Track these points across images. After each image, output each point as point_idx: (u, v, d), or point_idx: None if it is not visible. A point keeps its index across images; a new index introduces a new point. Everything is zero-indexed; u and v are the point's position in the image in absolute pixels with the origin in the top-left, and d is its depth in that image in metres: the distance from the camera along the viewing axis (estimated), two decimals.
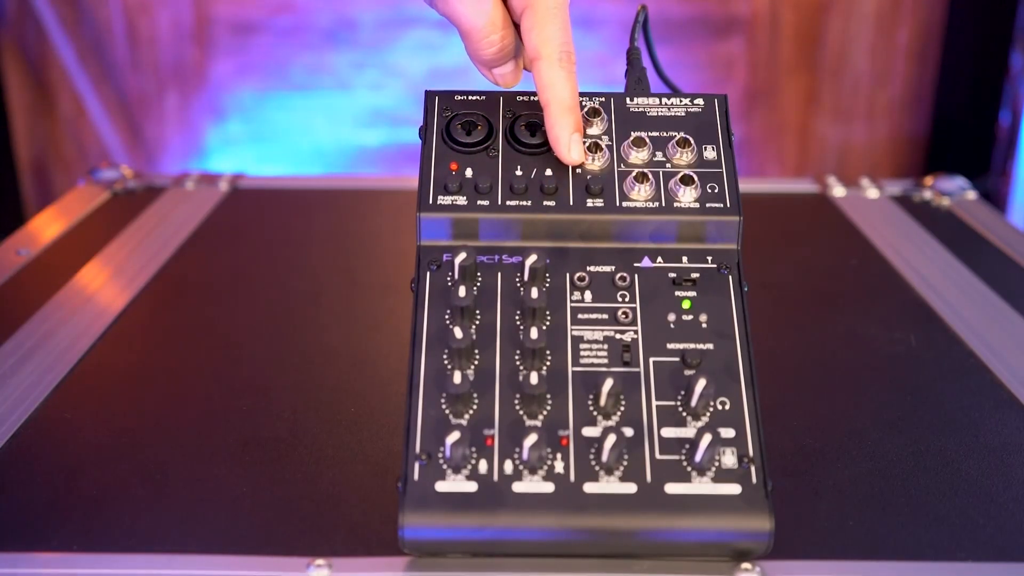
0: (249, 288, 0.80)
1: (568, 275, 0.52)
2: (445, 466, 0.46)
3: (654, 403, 0.48)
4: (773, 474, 0.47)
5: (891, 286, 0.79)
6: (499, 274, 0.52)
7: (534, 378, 0.47)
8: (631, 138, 0.55)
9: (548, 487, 0.46)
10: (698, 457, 0.46)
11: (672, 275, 0.52)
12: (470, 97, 0.57)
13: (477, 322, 0.51)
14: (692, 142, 0.55)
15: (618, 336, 0.50)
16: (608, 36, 1.98)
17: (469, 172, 0.54)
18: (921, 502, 0.52)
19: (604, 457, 0.46)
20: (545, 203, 0.53)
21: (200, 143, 2.07)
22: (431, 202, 0.53)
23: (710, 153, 0.55)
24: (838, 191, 1.01)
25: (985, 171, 2.01)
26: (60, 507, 0.51)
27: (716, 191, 0.53)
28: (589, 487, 0.46)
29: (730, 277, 0.52)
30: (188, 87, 2.03)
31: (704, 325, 0.51)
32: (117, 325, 0.72)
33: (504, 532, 0.45)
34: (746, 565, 0.46)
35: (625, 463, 0.46)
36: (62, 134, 2.06)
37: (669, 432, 0.47)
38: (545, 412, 0.48)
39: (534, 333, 0.49)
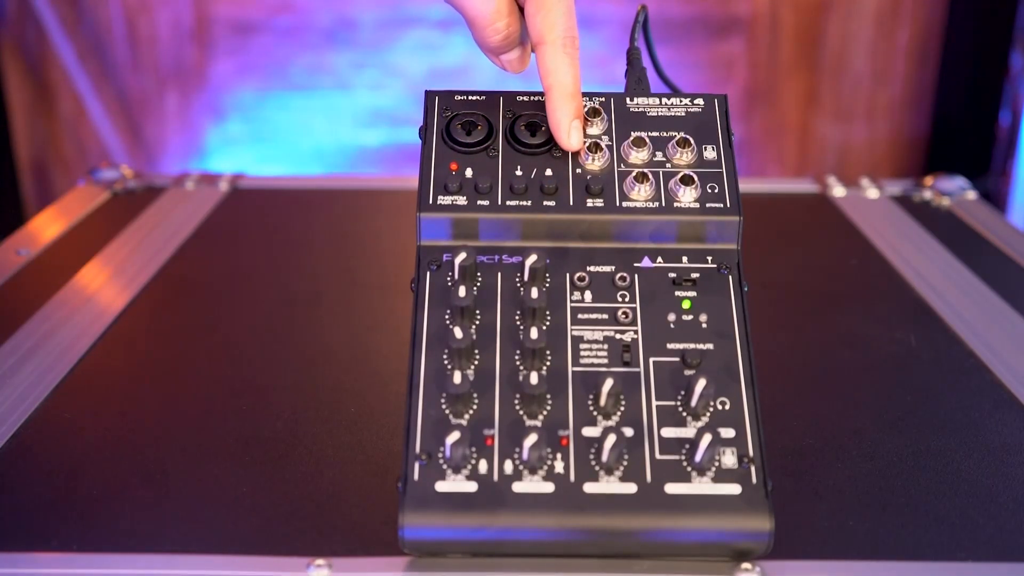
0: (249, 288, 0.80)
1: (568, 275, 0.52)
2: (445, 466, 0.46)
3: (654, 403, 0.48)
4: (773, 474, 0.47)
5: (891, 286, 0.79)
6: (499, 274, 0.52)
7: (534, 378, 0.47)
8: (631, 138, 0.55)
9: (548, 487, 0.46)
10: (698, 457, 0.46)
11: (672, 275, 0.52)
12: (470, 97, 0.57)
13: (477, 322, 0.51)
14: (692, 142, 0.55)
15: (618, 336, 0.50)
16: (608, 36, 1.98)
17: (469, 172, 0.54)
18: (921, 502, 0.52)
19: (604, 457, 0.46)
20: (545, 203, 0.53)
21: (200, 143, 2.07)
22: (431, 202, 0.53)
23: (710, 153, 0.55)
24: (838, 191, 1.01)
25: (985, 171, 2.01)
26: (60, 507, 0.51)
27: (716, 191, 0.53)
28: (589, 487, 0.46)
29: (730, 277, 0.52)
30: (188, 87, 2.03)
31: (704, 325, 0.51)
32: (117, 325, 0.72)
33: (504, 532, 0.45)
34: (746, 565, 0.46)
35: (625, 463, 0.46)
36: (62, 134, 2.06)
37: (669, 432, 0.47)
38: (545, 412, 0.48)
39: (534, 333, 0.49)
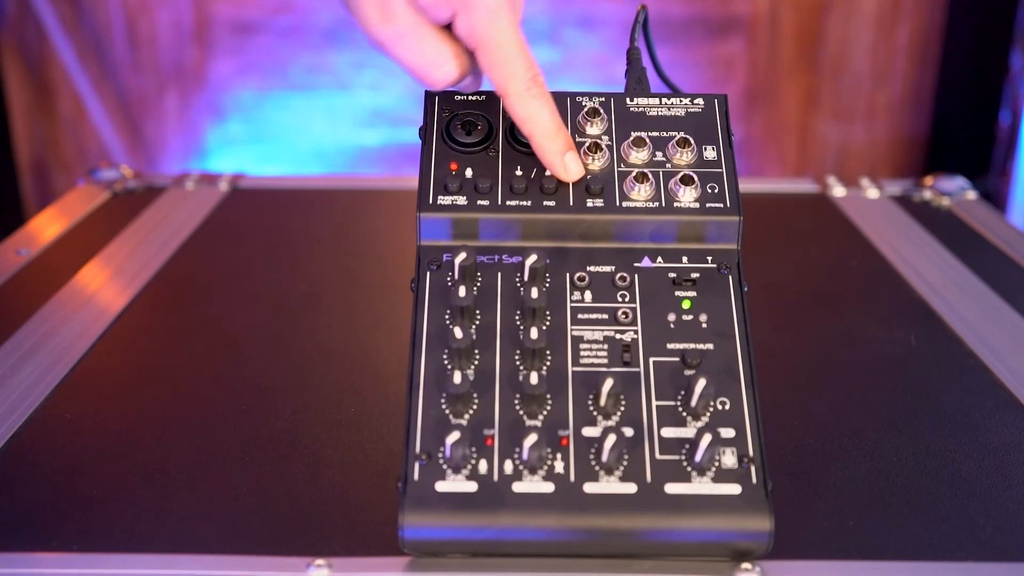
0: (249, 288, 0.80)
1: (568, 275, 0.52)
2: (445, 466, 0.46)
3: (654, 403, 0.48)
4: (773, 474, 0.47)
5: (891, 286, 0.79)
6: (499, 274, 0.52)
7: (534, 378, 0.47)
8: (631, 138, 0.55)
9: (548, 487, 0.46)
10: (698, 457, 0.46)
11: (672, 275, 0.52)
12: (470, 97, 0.57)
13: (477, 322, 0.51)
14: (692, 142, 0.55)
15: (618, 336, 0.50)
16: (608, 36, 1.98)
17: (469, 172, 0.54)
18: (921, 502, 0.52)
19: (604, 457, 0.46)
20: (545, 203, 0.53)
21: (200, 143, 2.07)
22: (431, 202, 0.53)
23: (710, 153, 0.55)
24: (838, 191, 1.01)
25: (985, 171, 2.01)
26: (60, 507, 0.51)
27: (716, 191, 0.53)
28: (589, 487, 0.46)
29: (730, 277, 0.52)
30: (188, 87, 2.03)
31: (704, 325, 0.51)
32: (117, 325, 0.72)
33: (504, 532, 0.45)
34: (746, 565, 0.46)
35: (625, 463, 0.46)
36: (62, 134, 2.06)
37: (669, 432, 0.47)
38: (545, 412, 0.48)
39: (534, 333, 0.49)
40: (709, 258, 0.53)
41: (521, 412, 0.48)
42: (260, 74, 2.02)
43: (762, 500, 0.46)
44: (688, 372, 0.49)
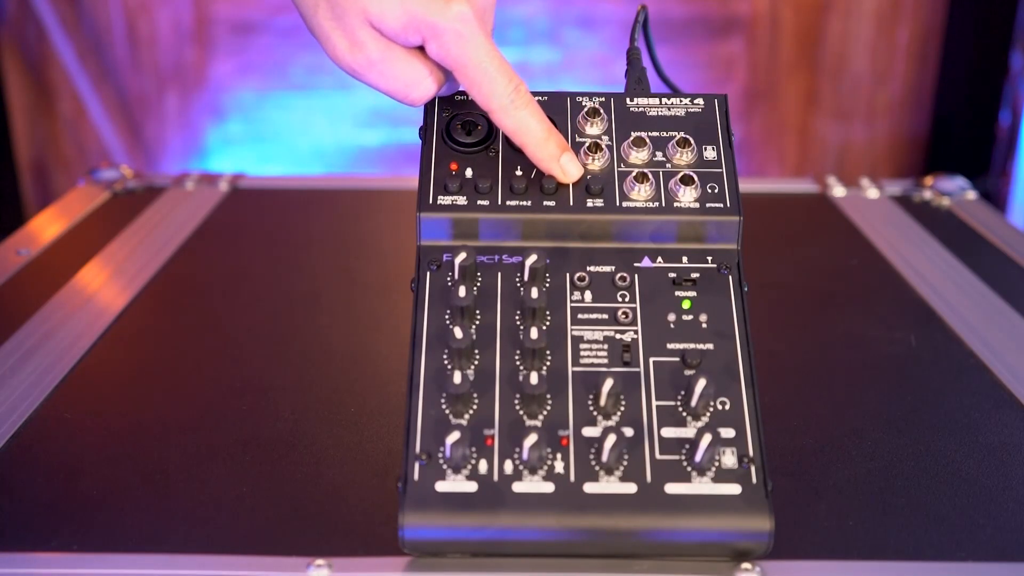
0: (249, 288, 0.80)
1: (568, 275, 0.52)
2: (445, 466, 0.46)
3: (654, 403, 0.48)
4: (773, 474, 0.47)
5: (891, 286, 0.79)
6: (499, 274, 0.52)
7: (534, 378, 0.47)
8: (631, 138, 0.55)
9: (548, 487, 0.46)
10: (698, 457, 0.46)
11: (672, 275, 0.52)
12: (470, 97, 0.57)
13: (477, 322, 0.51)
14: (692, 142, 0.55)
15: (618, 336, 0.50)
16: (608, 36, 1.98)
17: (469, 172, 0.54)
18: (921, 502, 0.52)
19: (604, 457, 0.46)
20: (545, 203, 0.53)
21: (200, 143, 2.07)
22: (431, 202, 0.53)
23: (710, 153, 0.55)
24: (838, 191, 1.01)
25: (985, 171, 2.01)
26: (60, 507, 0.51)
27: (716, 191, 0.53)
28: (589, 487, 0.46)
29: (730, 277, 0.52)
30: (188, 87, 2.03)
31: (704, 325, 0.51)
32: (117, 325, 0.72)
33: (504, 532, 0.45)
34: (746, 565, 0.46)
35: (625, 463, 0.46)
36: (62, 134, 2.06)
37: (669, 432, 0.47)
38: (545, 412, 0.48)
39: (534, 333, 0.49)
40: (709, 258, 0.53)
41: (521, 412, 0.48)
42: (260, 74, 2.02)
43: (762, 500, 0.46)
44: (688, 372, 0.49)
